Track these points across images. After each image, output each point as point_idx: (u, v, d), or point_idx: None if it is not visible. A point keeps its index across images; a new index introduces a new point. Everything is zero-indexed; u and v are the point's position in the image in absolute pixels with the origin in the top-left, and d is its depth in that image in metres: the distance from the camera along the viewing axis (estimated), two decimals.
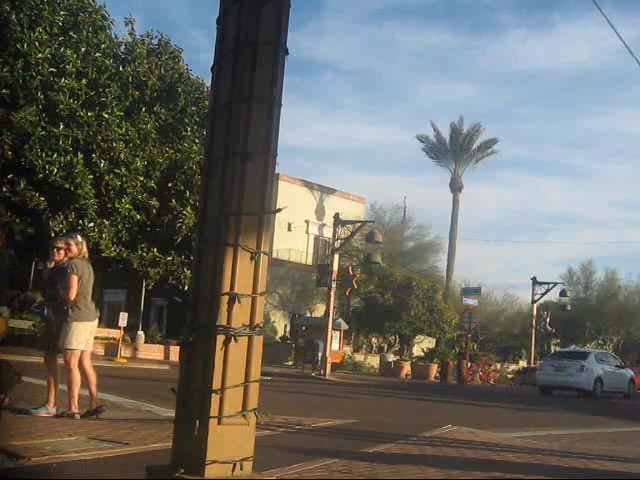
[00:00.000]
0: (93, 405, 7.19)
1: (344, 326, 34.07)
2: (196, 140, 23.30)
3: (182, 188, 22.65)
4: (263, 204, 3.29)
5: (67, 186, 20.21)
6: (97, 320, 7.47)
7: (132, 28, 23.92)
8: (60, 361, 7.31)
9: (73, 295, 7.03)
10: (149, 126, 22.19)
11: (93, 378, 7.26)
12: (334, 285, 27.16)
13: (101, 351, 25.15)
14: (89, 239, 21.06)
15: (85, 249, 7.32)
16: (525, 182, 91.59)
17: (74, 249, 7.24)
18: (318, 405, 13.02)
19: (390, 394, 17.52)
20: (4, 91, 19.76)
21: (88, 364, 7.27)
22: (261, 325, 3.26)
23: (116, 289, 34.61)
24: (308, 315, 38.58)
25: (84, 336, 7.13)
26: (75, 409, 6.99)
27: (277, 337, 37.55)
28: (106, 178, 21.04)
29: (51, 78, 20.44)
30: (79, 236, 7.66)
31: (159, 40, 24.66)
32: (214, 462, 3.06)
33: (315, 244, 42.73)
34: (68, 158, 20.19)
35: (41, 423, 6.42)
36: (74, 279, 7.03)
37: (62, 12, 21.40)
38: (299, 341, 31.51)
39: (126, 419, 7.32)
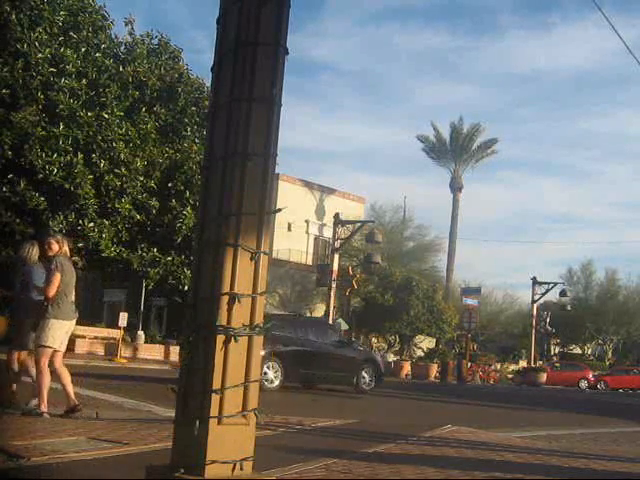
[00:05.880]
0: (71, 403, 7.12)
1: (344, 326, 34.03)
2: (196, 140, 23.29)
3: (182, 188, 22.64)
4: (263, 204, 3.28)
5: (67, 186, 20.21)
6: (75, 320, 7.37)
7: (132, 28, 23.96)
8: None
9: (52, 292, 6.97)
10: (149, 126, 22.19)
11: (67, 376, 7.14)
12: (334, 285, 27.17)
13: (101, 351, 25.17)
14: (89, 239, 21.09)
15: (66, 248, 7.31)
16: (525, 182, 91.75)
17: (55, 247, 7.24)
18: (318, 405, 13.02)
19: (390, 394, 17.51)
20: (4, 91, 19.76)
21: (59, 363, 7.14)
22: (261, 325, 3.26)
23: (116, 289, 34.63)
24: (308, 315, 38.58)
25: (60, 334, 7.07)
26: (44, 408, 6.90)
27: None
28: (106, 178, 21.05)
29: (51, 78, 20.44)
30: (59, 235, 7.69)
31: (159, 40, 24.65)
32: (214, 462, 3.06)
33: (315, 244, 42.71)
34: (68, 158, 20.19)
35: (41, 423, 6.41)
36: (57, 277, 7.00)
37: (62, 12, 21.40)
38: None
39: (126, 419, 7.31)
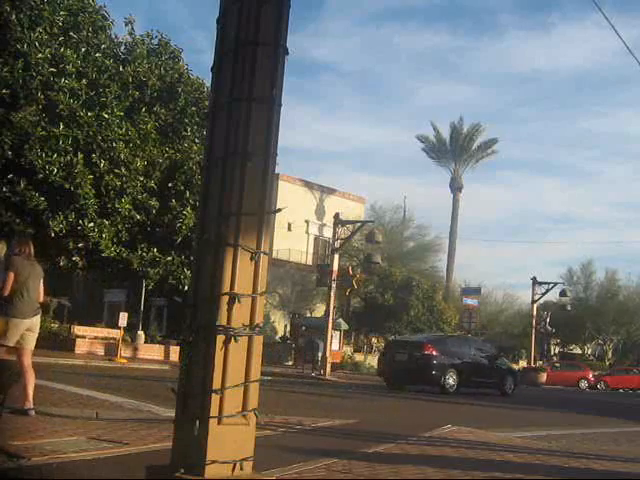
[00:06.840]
0: (27, 404, 7.06)
1: (344, 326, 34.07)
2: (196, 140, 23.27)
3: (182, 188, 22.63)
4: (263, 204, 3.28)
5: (67, 186, 20.18)
6: (37, 318, 7.40)
7: (132, 28, 23.89)
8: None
9: (6, 291, 7.11)
10: (149, 126, 22.16)
11: (31, 377, 7.16)
12: (334, 285, 27.14)
13: (101, 351, 25.18)
14: (89, 239, 21.08)
15: (27, 249, 7.41)
16: (525, 182, 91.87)
17: (16, 248, 7.40)
18: (318, 405, 13.02)
19: (390, 394, 17.52)
20: (4, 91, 19.73)
21: (28, 363, 7.20)
22: (261, 325, 3.26)
23: (116, 289, 34.64)
24: (308, 315, 38.57)
25: (16, 333, 7.13)
26: (30, 405, 6.98)
27: (277, 337, 37.55)
28: (106, 178, 21.02)
29: (51, 78, 20.41)
30: (24, 237, 7.83)
31: (159, 40, 24.61)
32: (214, 462, 3.06)
33: (315, 244, 42.72)
34: (68, 158, 20.16)
35: (41, 423, 6.41)
36: (10, 275, 7.14)
37: (62, 12, 21.35)
38: (299, 341, 31.49)
39: (126, 419, 7.31)
